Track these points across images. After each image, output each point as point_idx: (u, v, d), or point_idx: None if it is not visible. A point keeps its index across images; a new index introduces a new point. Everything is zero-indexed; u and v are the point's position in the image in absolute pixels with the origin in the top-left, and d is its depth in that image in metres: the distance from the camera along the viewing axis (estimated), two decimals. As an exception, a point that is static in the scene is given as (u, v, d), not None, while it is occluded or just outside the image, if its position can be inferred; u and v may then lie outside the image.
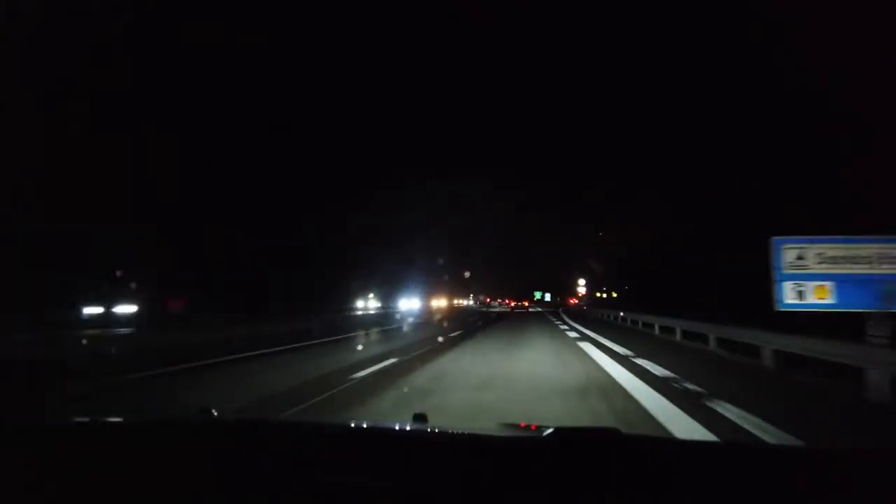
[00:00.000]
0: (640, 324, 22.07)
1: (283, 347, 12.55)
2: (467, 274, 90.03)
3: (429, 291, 60.74)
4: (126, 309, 23.88)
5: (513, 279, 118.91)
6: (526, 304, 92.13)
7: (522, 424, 2.15)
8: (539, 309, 73.28)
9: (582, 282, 72.49)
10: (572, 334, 18.55)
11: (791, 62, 22.45)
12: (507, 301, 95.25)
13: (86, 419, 1.80)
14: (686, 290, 26.23)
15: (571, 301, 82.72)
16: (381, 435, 1.77)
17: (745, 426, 5.02)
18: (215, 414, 1.81)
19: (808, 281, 8.58)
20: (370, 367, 9.15)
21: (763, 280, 9.16)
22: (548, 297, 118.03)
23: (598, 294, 78.56)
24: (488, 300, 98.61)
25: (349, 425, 2.24)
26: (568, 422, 5.04)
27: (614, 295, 73.74)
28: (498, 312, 51.91)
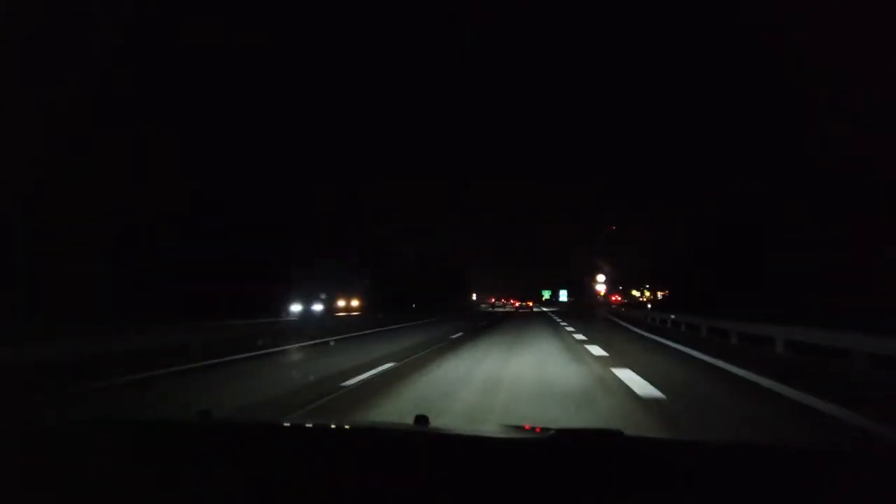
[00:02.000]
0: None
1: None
2: (477, 271, 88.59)
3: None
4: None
5: (521, 279, 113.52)
6: (530, 304, 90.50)
7: (527, 427, 2.14)
8: (544, 309, 65.79)
9: (601, 278, 60.54)
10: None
11: (797, 63, 22.34)
12: (511, 301, 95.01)
13: (85, 419, 1.79)
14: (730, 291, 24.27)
15: (615, 298, 67.78)
16: (381, 436, 1.76)
17: None
18: (213, 415, 1.80)
19: None
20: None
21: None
22: (563, 295, 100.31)
23: (640, 293, 70.57)
24: (492, 300, 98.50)
25: (349, 427, 2.23)
26: None
27: (647, 294, 67.36)
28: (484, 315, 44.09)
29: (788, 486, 1.23)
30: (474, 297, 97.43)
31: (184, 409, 6.28)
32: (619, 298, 69.32)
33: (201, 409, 1.77)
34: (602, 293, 63.79)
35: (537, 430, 1.85)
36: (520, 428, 2.10)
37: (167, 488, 1.23)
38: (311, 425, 2.17)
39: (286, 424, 2.10)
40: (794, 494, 1.20)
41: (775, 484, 1.21)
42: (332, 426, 2.27)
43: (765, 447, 1.66)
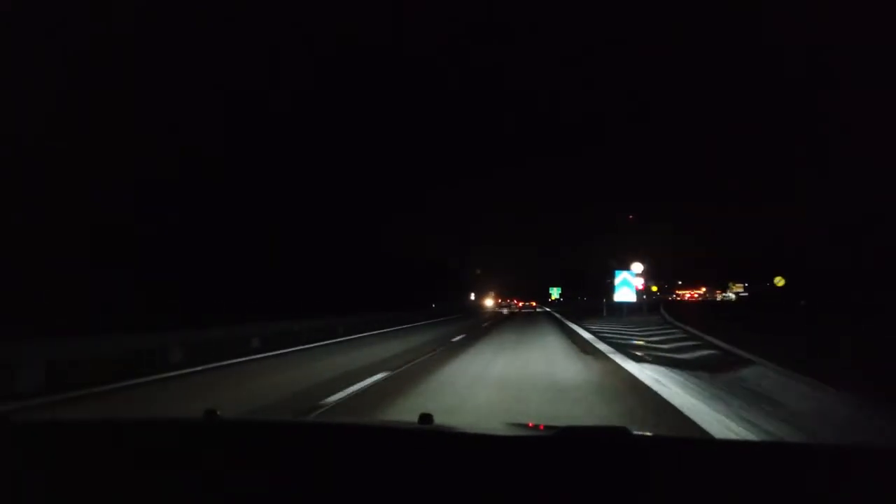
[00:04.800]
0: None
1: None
2: (478, 271, 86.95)
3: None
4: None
5: (523, 277, 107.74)
6: (534, 304, 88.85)
7: (531, 424, 2.14)
8: (547, 309, 59.08)
9: (638, 268, 48.82)
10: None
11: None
12: (515, 301, 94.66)
13: (89, 417, 1.79)
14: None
15: (692, 294, 57.39)
16: (386, 435, 1.76)
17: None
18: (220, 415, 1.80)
19: None
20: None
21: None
22: (625, 288, 54.22)
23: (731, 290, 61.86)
24: (498, 301, 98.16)
25: (353, 425, 2.23)
26: None
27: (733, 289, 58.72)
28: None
29: (792, 484, 1.23)
30: (472, 296, 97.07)
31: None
32: (696, 295, 58.37)
33: (207, 409, 1.77)
34: (655, 290, 50.06)
35: (541, 427, 1.85)
36: (524, 426, 2.09)
37: (168, 490, 1.23)
38: (314, 423, 2.17)
39: (289, 423, 2.10)
40: (798, 493, 1.20)
41: (778, 482, 1.21)
42: (336, 424, 2.27)
43: (769, 445, 1.66)
